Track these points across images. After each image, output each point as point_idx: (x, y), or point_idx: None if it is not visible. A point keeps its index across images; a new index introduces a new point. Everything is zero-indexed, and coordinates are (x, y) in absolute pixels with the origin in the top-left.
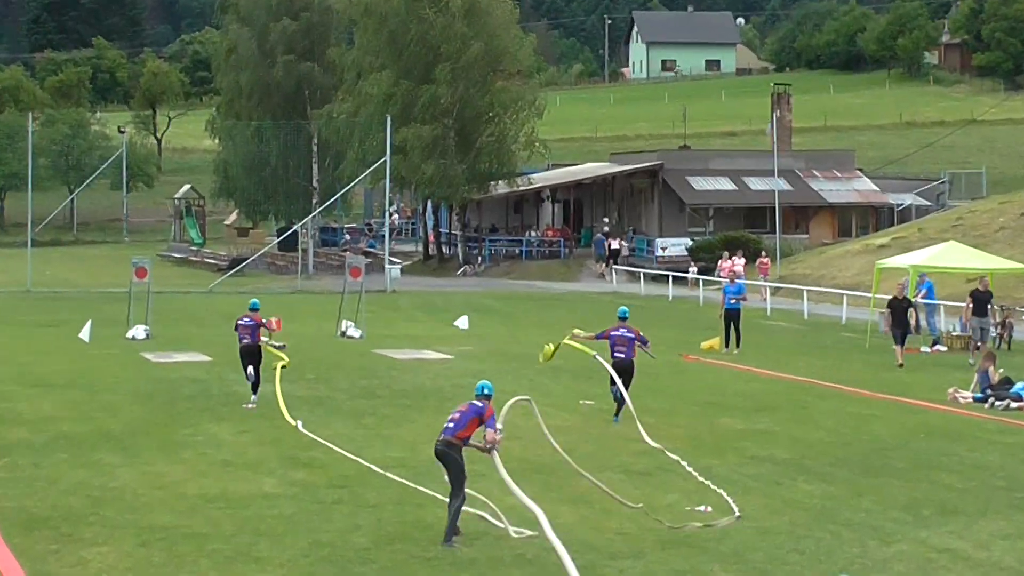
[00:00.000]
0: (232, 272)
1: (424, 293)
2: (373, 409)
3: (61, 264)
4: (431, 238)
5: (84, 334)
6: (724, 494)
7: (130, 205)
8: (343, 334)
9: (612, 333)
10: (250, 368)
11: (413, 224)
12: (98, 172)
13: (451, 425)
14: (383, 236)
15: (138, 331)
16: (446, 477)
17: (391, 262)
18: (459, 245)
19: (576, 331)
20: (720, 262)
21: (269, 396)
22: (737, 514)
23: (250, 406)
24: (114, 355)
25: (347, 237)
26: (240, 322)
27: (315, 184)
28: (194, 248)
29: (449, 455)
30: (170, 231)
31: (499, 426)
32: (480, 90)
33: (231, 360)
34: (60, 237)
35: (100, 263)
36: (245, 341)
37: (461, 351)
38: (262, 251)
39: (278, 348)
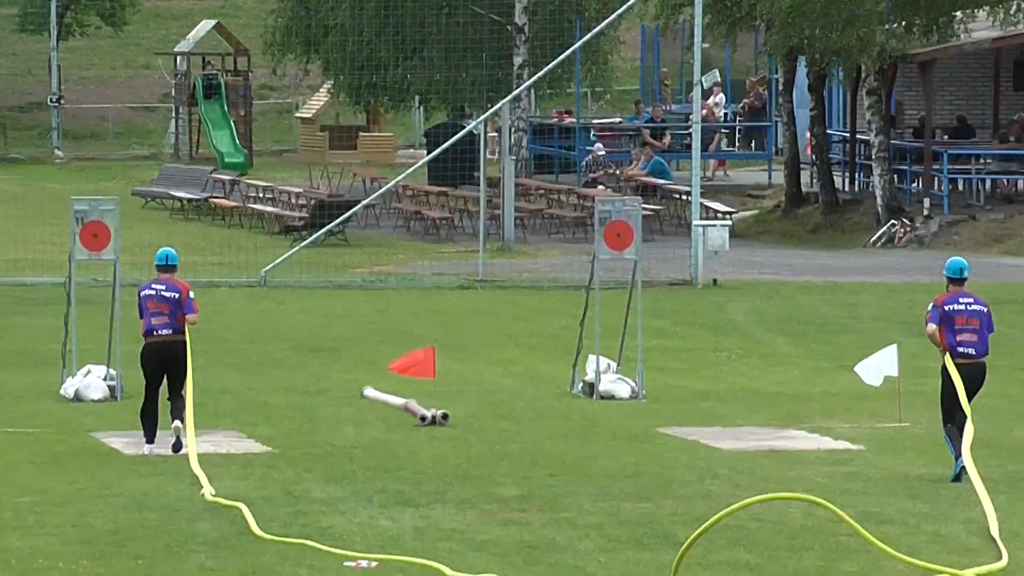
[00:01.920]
0: (317, 236)
1: (788, 286)
2: None
3: None
4: (807, 150)
5: None
6: None
7: (69, 71)
8: (590, 388)
9: (946, 305)
10: (163, 380)
11: (760, 121)
12: None
13: None
14: (691, 149)
15: (90, 382)
16: None
17: (709, 213)
18: (875, 170)
19: None
20: None
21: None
22: None
23: (150, 449)
24: (20, 439)
25: (598, 149)
26: (145, 291)
27: (520, 20)
28: (224, 176)
29: None
30: (164, 136)
31: None
32: None
33: (309, 454)
34: None
35: None
36: (162, 332)
37: (880, 432)
38: (390, 184)
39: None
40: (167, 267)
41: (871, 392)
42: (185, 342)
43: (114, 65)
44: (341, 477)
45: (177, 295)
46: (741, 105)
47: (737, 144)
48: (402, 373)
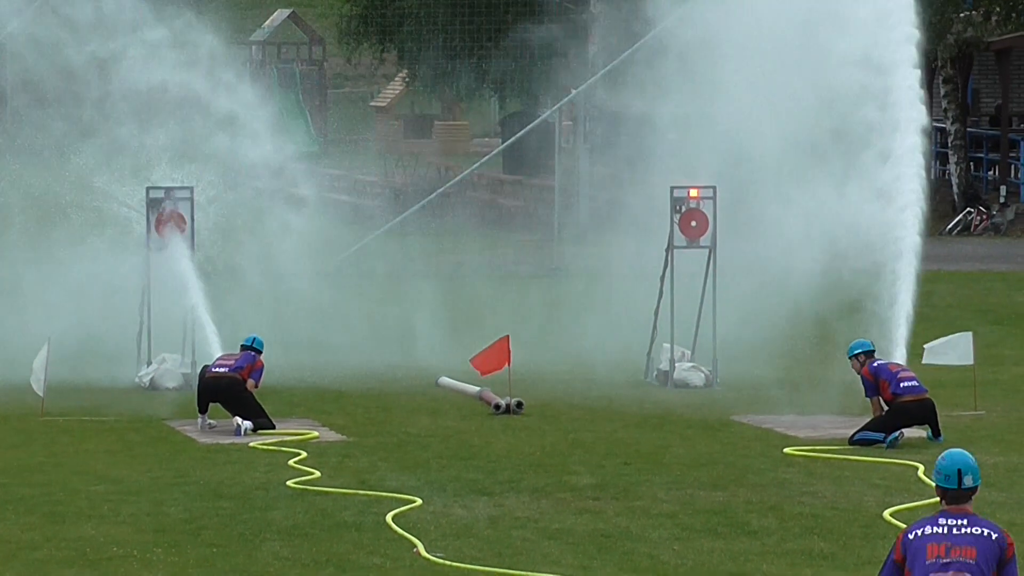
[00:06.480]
0: (390, 225)
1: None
2: None
3: None
4: None
5: (35, 379)
6: None
7: None
8: (664, 376)
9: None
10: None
11: None
12: None
13: None
14: None
15: (165, 370)
16: None
17: None
18: (951, 158)
19: None
20: None
21: None
22: None
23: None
24: (96, 427)
25: None
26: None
27: (594, 8)
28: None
29: None
30: None
31: None
32: None
33: (383, 443)
34: None
35: None
36: (216, 370)
37: (956, 420)
38: (464, 173)
39: None
40: (251, 348)
41: (947, 380)
42: (239, 380)
43: None
44: (415, 466)
45: (251, 363)
46: None
47: None
48: (485, 372)
